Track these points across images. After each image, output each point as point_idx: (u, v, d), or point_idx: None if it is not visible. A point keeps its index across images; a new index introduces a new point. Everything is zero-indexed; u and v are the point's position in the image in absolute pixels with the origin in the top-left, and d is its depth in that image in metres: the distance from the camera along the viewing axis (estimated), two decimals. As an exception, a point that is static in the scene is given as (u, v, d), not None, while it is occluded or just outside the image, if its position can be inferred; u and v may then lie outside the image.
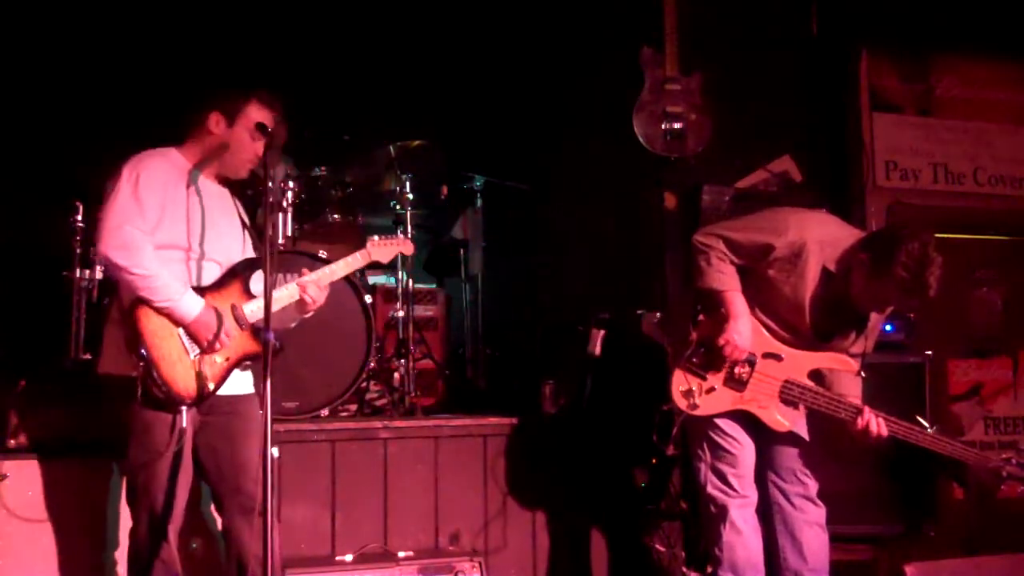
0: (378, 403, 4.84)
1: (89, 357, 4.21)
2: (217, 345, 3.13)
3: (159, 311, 3.06)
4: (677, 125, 4.64)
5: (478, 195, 5.77)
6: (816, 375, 3.50)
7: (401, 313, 5.10)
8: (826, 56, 5.32)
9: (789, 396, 3.46)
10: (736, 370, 3.45)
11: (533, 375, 4.94)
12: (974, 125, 5.60)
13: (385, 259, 3.57)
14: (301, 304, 3.31)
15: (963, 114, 5.64)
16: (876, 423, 3.38)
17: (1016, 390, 5.48)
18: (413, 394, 4.79)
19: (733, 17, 4.98)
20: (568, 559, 4.39)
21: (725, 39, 4.95)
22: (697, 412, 3.48)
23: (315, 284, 3.31)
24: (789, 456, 3.62)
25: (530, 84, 5.88)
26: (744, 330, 3.40)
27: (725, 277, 3.45)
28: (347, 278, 4.50)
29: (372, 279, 5.48)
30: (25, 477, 3.61)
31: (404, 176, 5.09)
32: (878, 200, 5.37)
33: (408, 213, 5.06)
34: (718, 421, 3.53)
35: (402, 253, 3.65)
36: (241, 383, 3.30)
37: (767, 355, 3.46)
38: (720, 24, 4.93)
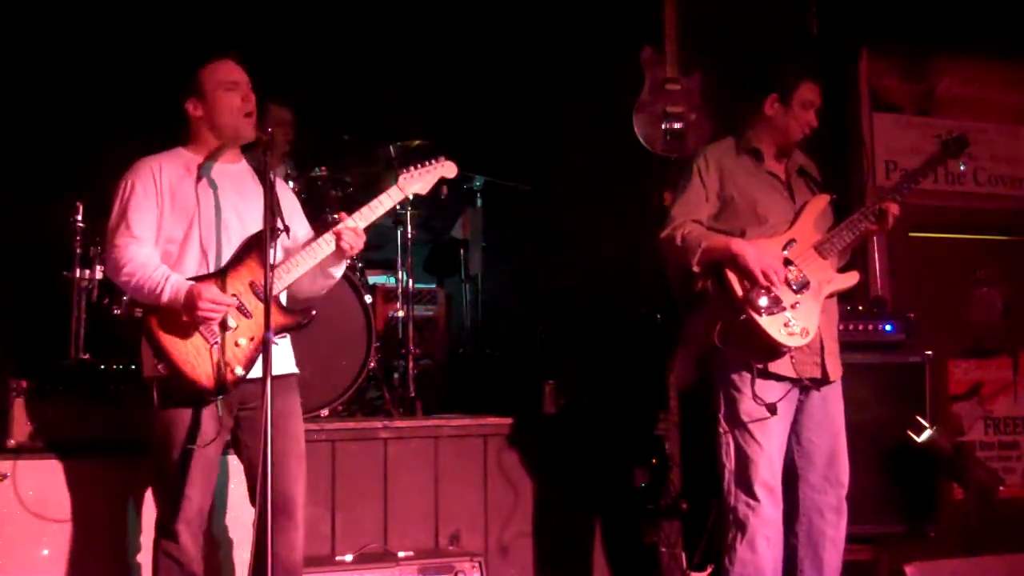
0: (378, 403, 4.84)
1: (89, 357, 4.22)
2: (230, 318, 3.02)
3: (165, 310, 3.01)
4: (677, 125, 4.63)
5: (478, 195, 5.77)
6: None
7: (401, 313, 5.10)
8: (826, 56, 5.32)
9: (825, 253, 3.59)
10: (790, 278, 3.50)
11: (533, 375, 4.94)
12: (974, 125, 5.59)
13: (424, 190, 3.35)
14: (339, 252, 3.20)
15: (963, 114, 5.63)
16: (895, 208, 3.60)
17: (1016, 390, 5.48)
18: (413, 394, 4.79)
19: (733, 17, 4.97)
20: (568, 559, 4.39)
21: (725, 39, 4.94)
22: (811, 335, 3.47)
23: (352, 231, 3.20)
24: (828, 455, 3.60)
25: (530, 84, 5.87)
26: (750, 248, 3.49)
27: (701, 235, 3.56)
28: (347, 278, 4.52)
29: (372, 279, 5.48)
30: (25, 477, 3.59)
31: (404, 176, 5.07)
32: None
33: (408, 213, 5.06)
34: (748, 422, 3.47)
35: (444, 177, 3.37)
36: (275, 363, 2.96)
37: (786, 247, 3.56)
38: (720, 24, 4.92)
